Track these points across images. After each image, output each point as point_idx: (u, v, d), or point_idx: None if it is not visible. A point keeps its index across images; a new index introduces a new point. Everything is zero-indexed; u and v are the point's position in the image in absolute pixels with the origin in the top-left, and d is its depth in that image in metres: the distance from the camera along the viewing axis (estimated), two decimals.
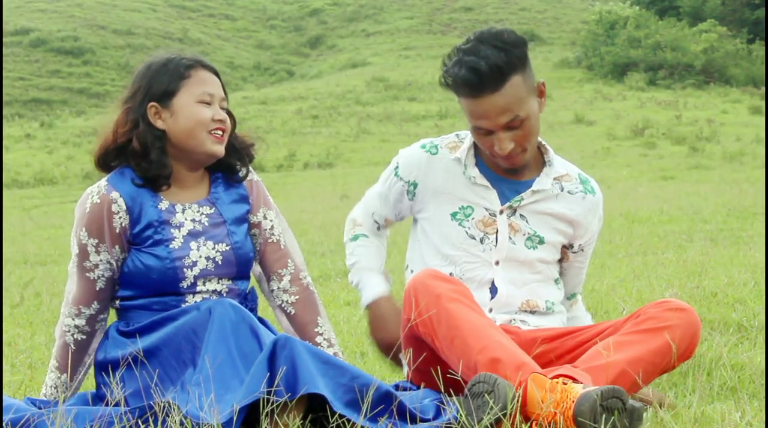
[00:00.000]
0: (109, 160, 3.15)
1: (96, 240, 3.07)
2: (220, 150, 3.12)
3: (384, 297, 3.37)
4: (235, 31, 53.29)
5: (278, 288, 3.27)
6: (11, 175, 23.97)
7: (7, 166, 25.00)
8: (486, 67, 3.07)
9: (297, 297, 3.27)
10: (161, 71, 3.10)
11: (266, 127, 30.25)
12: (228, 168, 3.21)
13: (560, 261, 3.43)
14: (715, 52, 36.54)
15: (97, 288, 3.11)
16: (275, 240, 3.26)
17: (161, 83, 3.09)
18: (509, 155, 3.19)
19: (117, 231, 3.07)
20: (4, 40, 43.23)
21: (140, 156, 3.08)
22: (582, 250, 3.42)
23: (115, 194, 3.07)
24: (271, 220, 3.26)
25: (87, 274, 3.10)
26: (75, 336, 3.14)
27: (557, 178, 3.34)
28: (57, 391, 3.15)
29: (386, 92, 35.87)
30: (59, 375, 3.16)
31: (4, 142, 28.43)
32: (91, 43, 45.67)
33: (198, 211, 3.14)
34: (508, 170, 3.29)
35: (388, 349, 3.33)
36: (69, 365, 3.14)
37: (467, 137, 3.34)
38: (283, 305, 3.27)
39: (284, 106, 34.29)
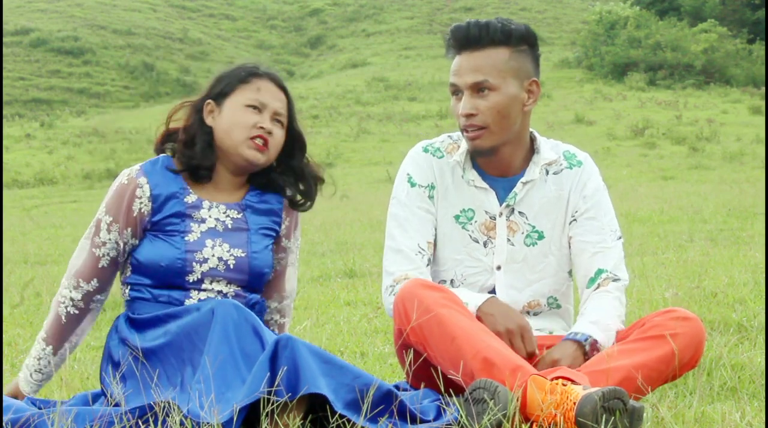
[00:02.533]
0: (165, 144, 3.22)
1: (111, 219, 3.12)
2: (256, 156, 3.12)
3: (491, 299, 3.12)
4: (236, 31, 53.27)
5: (274, 307, 3.34)
6: (11, 175, 23.96)
7: (7, 166, 24.99)
8: (475, 26, 3.17)
9: (285, 320, 3.37)
10: (228, 74, 3.18)
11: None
12: (276, 186, 3.22)
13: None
14: (716, 52, 36.51)
15: (100, 266, 3.14)
16: (291, 265, 3.32)
17: (221, 83, 3.16)
18: (468, 119, 3.16)
19: (134, 214, 3.11)
20: (4, 40, 43.21)
21: (186, 145, 3.15)
22: (575, 220, 3.27)
23: (142, 180, 3.12)
24: (297, 248, 3.33)
25: (94, 250, 3.14)
26: (68, 309, 3.16)
27: (546, 164, 3.29)
28: (39, 363, 3.18)
29: (386, 92, 35.84)
30: (45, 346, 3.18)
31: (4, 142, 28.42)
32: (91, 43, 45.64)
33: (224, 213, 3.16)
34: (476, 152, 3.21)
35: (525, 330, 3.05)
36: (56, 337, 3.16)
37: (461, 138, 3.32)
38: (270, 323, 3.34)
39: None
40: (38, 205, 19.62)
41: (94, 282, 3.16)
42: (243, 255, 3.14)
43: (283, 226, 3.25)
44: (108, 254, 3.14)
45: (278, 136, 3.15)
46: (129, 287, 3.16)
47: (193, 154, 3.13)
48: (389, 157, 23.70)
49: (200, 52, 48.05)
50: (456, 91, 3.20)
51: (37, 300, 6.69)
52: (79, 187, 22.65)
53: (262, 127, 3.11)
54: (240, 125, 3.11)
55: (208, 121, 3.16)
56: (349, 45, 50.36)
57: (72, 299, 3.16)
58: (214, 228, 3.13)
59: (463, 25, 3.20)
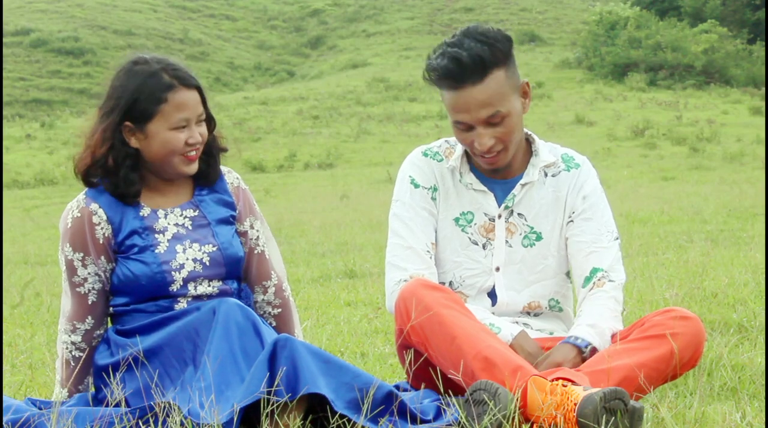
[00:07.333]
0: (91, 177, 3.12)
1: (81, 254, 3.09)
2: (190, 169, 3.11)
3: (523, 332, 3.16)
4: (236, 31, 53.28)
5: (262, 299, 3.28)
6: (12, 176, 23.97)
7: (8, 167, 25.00)
8: (468, 58, 3.04)
9: (279, 310, 3.30)
10: (140, 90, 3.04)
11: (267, 128, 30.24)
12: (202, 175, 3.19)
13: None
14: (716, 52, 36.52)
15: (90, 303, 3.12)
16: (260, 251, 3.26)
17: (138, 105, 3.04)
18: (489, 152, 3.13)
19: (101, 241, 3.08)
20: (5, 40, 43.22)
21: (111, 172, 3.08)
22: (572, 221, 3.27)
23: (94, 206, 3.08)
24: (257, 230, 3.26)
25: (77, 289, 3.11)
26: (73, 352, 3.15)
27: (545, 167, 3.28)
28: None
29: (387, 93, 35.86)
30: (60, 389, 3.17)
31: (5, 143, 28.42)
32: (91, 44, 45.65)
33: (181, 215, 3.14)
34: (493, 171, 3.24)
35: None
36: (67, 380, 3.14)
37: (458, 143, 3.30)
38: (264, 315, 3.28)
39: (285, 107, 34.28)
40: (38, 206, 19.63)
41: (89, 320, 3.13)
42: (214, 249, 3.12)
43: (237, 211, 3.22)
44: (93, 288, 3.11)
45: (204, 134, 3.11)
46: (113, 307, 3.15)
47: (116, 181, 3.07)
48: (389, 157, 23.70)
49: (201, 53, 48.04)
50: (467, 128, 3.14)
51: (37, 300, 6.69)
52: (79, 187, 22.50)
53: (193, 143, 3.07)
54: (171, 148, 3.04)
55: (132, 142, 3.07)
56: (350, 45, 50.36)
57: (73, 343, 3.14)
58: (178, 233, 3.11)
59: (451, 64, 3.06)
